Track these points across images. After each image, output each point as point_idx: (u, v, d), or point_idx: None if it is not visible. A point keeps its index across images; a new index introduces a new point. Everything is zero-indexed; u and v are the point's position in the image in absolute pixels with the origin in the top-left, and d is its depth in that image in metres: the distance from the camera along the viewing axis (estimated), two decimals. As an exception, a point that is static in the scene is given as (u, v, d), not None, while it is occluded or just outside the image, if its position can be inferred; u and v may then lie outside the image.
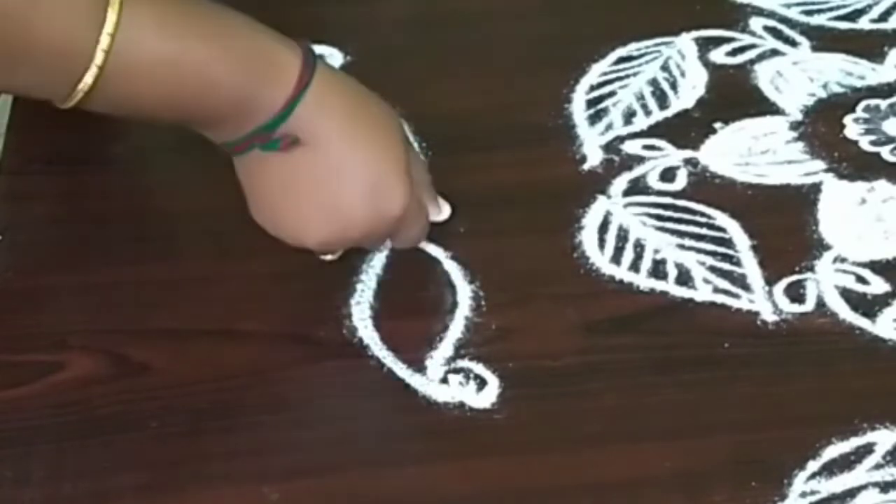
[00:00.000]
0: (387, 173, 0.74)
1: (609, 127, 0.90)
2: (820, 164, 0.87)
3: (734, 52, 0.96)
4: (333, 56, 0.96)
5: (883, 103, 0.91)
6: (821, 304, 0.78)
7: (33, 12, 0.64)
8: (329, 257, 0.79)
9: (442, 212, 0.81)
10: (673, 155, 0.88)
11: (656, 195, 0.85)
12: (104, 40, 0.66)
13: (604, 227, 0.83)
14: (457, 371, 0.75)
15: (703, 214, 0.83)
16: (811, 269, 0.80)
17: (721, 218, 0.83)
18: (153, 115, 0.72)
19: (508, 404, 0.73)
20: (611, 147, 0.88)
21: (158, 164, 0.90)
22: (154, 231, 0.84)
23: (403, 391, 0.74)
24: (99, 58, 0.66)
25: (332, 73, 0.75)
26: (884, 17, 0.98)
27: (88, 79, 0.66)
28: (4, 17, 0.64)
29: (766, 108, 0.91)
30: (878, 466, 0.69)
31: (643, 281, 0.80)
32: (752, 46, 0.96)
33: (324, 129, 0.73)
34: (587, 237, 0.82)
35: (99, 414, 0.73)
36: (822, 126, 0.89)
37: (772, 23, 0.98)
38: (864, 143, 0.88)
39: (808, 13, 0.99)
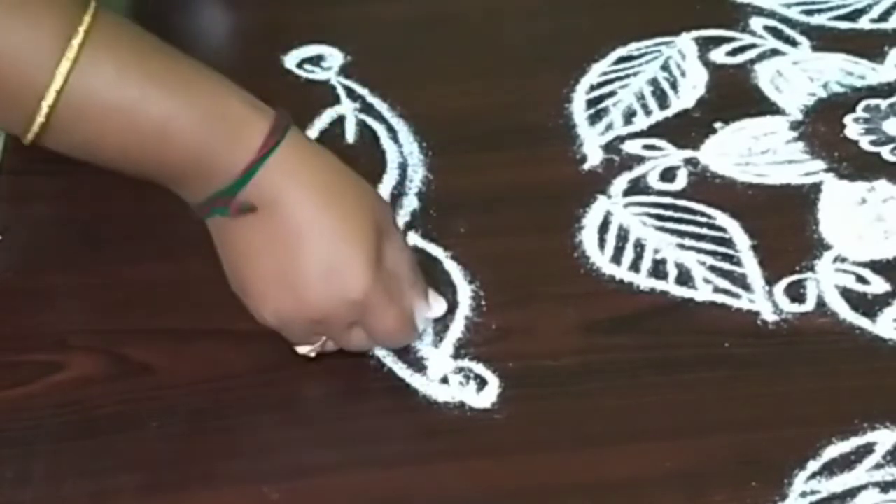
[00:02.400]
0: (347, 253, 0.70)
1: (609, 127, 0.90)
2: (820, 164, 0.87)
3: (734, 52, 0.96)
4: (333, 56, 0.96)
5: (883, 103, 0.91)
6: (821, 303, 0.78)
7: None
8: (305, 349, 0.74)
9: (433, 309, 0.75)
10: (673, 155, 0.88)
11: (656, 195, 0.85)
12: (57, 80, 0.65)
13: (604, 227, 0.83)
14: (457, 371, 0.75)
15: (703, 214, 0.83)
16: (811, 268, 0.80)
17: (721, 218, 0.83)
18: (114, 164, 0.70)
19: (508, 404, 0.73)
20: (611, 147, 0.88)
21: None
22: (154, 231, 0.84)
23: (403, 391, 0.74)
24: (51, 97, 0.65)
25: (307, 145, 0.72)
26: (884, 16, 0.98)
27: (41, 117, 0.65)
28: None
29: (766, 107, 0.91)
30: (878, 466, 0.69)
31: (643, 281, 0.79)
32: (753, 46, 0.96)
33: (287, 198, 0.69)
34: (587, 237, 0.82)
35: (99, 414, 0.73)
36: (822, 126, 0.89)
37: (772, 22, 0.98)
38: (865, 143, 0.88)
39: (809, 13, 0.99)
